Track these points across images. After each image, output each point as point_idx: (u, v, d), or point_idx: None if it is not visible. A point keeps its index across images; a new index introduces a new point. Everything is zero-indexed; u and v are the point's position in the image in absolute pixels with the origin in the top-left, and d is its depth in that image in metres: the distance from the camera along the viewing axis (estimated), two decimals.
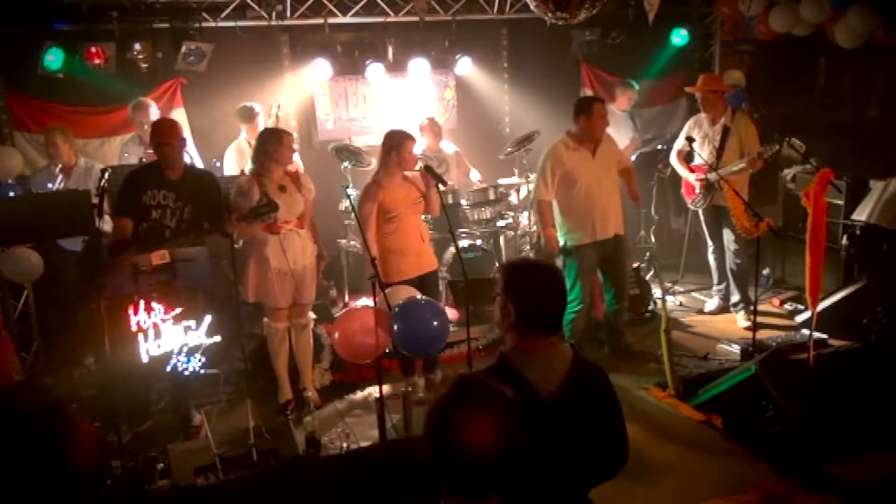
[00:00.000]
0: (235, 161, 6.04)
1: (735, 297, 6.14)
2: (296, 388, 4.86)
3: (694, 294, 6.78)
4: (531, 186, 6.47)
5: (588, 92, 7.75)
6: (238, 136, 6.18)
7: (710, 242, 6.22)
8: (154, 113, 5.78)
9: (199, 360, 4.09)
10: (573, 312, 5.15)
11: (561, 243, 5.12)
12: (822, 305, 4.89)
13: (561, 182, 5.04)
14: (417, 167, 4.72)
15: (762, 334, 5.46)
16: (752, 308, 5.65)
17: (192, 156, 5.82)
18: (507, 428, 1.57)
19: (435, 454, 1.59)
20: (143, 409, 4.65)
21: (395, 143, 4.62)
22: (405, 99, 7.30)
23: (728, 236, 5.96)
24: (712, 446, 4.17)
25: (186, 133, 6.35)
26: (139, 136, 5.85)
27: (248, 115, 6.04)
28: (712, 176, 5.69)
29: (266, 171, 4.45)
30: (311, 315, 4.87)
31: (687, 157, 6.12)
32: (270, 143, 4.46)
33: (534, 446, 1.98)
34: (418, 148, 6.37)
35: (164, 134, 4.31)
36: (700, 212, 6.13)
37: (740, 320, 6.06)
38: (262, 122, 6.05)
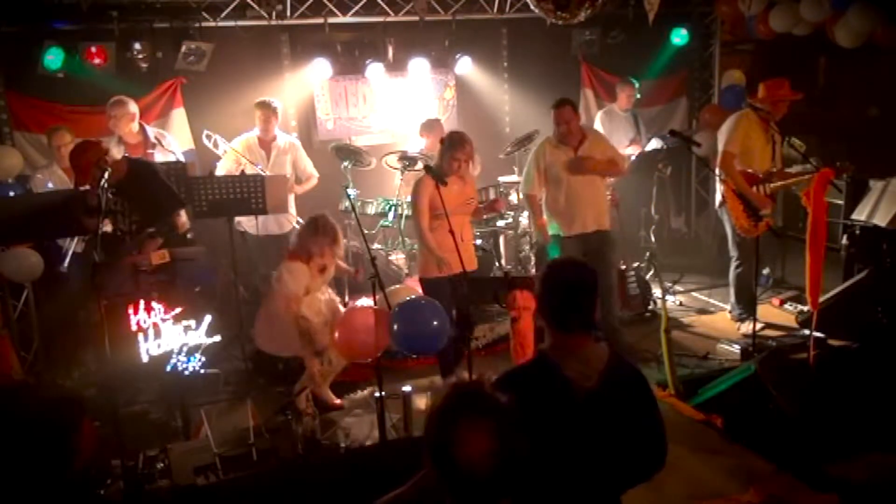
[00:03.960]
0: (235, 158, 5.96)
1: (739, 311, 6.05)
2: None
3: (694, 294, 6.78)
4: None
5: (588, 92, 7.77)
6: (243, 133, 6.09)
7: (737, 257, 5.79)
8: (133, 110, 5.64)
9: (199, 360, 4.10)
10: None
11: (550, 233, 5.35)
12: (821, 305, 4.89)
13: (545, 176, 5.30)
14: (418, 167, 4.72)
15: (762, 334, 5.46)
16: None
17: (177, 154, 5.78)
18: (504, 437, 1.58)
19: (435, 465, 1.61)
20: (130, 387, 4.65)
21: (445, 146, 4.74)
22: (405, 99, 7.30)
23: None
24: (712, 446, 4.16)
25: (186, 133, 6.41)
26: (119, 137, 5.75)
27: (262, 108, 5.94)
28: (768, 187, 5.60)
29: (311, 256, 4.58)
30: None
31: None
32: (309, 238, 4.58)
33: (571, 441, 1.99)
34: (416, 147, 6.40)
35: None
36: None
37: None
38: (275, 123, 6.02)
